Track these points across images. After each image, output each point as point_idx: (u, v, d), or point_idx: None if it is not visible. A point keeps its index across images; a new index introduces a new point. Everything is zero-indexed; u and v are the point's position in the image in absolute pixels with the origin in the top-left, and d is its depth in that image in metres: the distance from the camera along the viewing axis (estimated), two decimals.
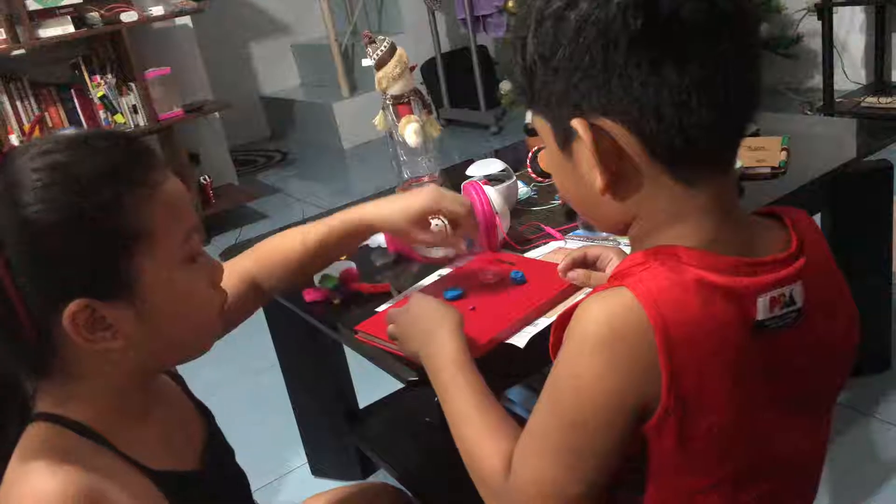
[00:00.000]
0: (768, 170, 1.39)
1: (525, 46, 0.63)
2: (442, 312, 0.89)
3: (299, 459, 1.83)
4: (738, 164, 1.35)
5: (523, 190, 1.47)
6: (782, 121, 1.72)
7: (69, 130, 3.14)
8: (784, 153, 1.43)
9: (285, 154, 4.71)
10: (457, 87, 4.43)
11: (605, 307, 0.61)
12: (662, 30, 0.57)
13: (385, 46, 1.48)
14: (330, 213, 1.59)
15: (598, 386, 0.61)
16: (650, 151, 0.61)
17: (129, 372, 0.72)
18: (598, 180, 0.63)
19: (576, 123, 0.61)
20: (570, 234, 1.28)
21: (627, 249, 0.70)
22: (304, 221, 1.56)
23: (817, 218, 1.64)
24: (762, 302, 0.61)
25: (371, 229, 1.07)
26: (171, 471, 0.74)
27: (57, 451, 0.66)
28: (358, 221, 1.06)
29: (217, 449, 0.86)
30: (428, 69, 4.41)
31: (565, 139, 0.64)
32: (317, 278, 1.20)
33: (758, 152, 1.44)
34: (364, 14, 4.71)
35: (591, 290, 0.67)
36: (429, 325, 0.88)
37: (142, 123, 3.27)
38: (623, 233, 0.69)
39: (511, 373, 1.09)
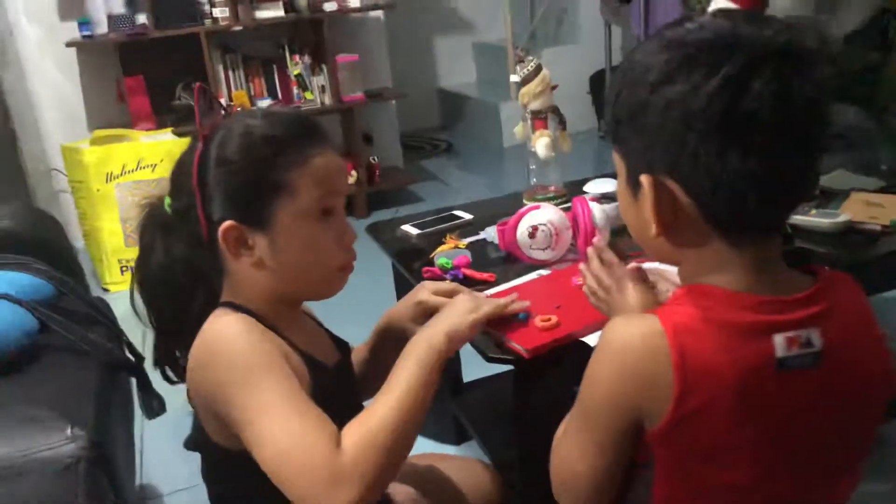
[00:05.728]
0: (878, 227, 1.40)
1: (619, 98, 0.73)
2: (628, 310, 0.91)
3: None
4: (845, 216, 1.40)
5: None
6: None
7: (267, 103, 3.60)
8: None
9: (451, 144, 4.97)
10: None
11: (631, 325, 0.73)
12: (735, 124, 0.65)
13: (532, 66, 1.66)
14: (481, 204, 1.77)
15: (602, 387, 0.74)
16: (704, 216, 0.71)
17: (268, 289, 0.93)
18: (653, 227, 0.73)
19: (643, 179, 0.72)
20: None
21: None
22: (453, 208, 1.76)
23: None
24: (779, 340, 0.69)
25: (392, 332, 1.12)
26: (314, 357, 0.95)
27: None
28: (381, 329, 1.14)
29: (347, 370, 1.07)
30: (596, 80, 4.50)
31: (635, 184, 0.75)
32: (436, 259, 1.42)
33: (874, 208, 1.46)
34: (544, 21, 4.87)
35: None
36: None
37: (327, 102, 3.65)
38: (674, 264, 0.81)
39: (582, 369, 1.24)
